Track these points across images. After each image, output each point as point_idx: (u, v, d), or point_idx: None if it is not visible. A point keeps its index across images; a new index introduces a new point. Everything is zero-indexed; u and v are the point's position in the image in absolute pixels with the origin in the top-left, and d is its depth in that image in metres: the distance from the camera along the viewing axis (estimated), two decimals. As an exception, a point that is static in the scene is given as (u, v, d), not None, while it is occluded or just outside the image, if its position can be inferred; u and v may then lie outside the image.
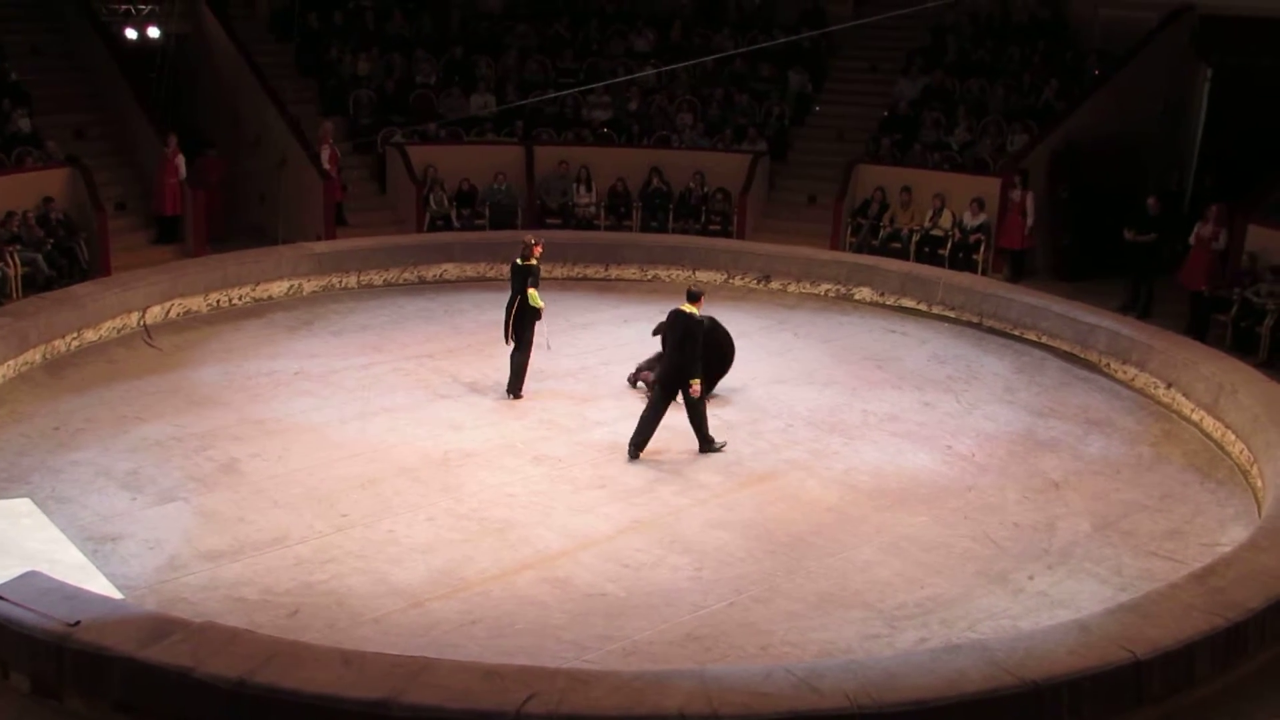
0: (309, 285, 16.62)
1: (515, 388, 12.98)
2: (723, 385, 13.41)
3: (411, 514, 10.32)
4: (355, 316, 15.71)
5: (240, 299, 15.92)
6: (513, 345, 12.89)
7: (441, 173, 19.89)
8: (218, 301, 15.69)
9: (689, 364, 11.46)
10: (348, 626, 8.56)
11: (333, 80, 21.70)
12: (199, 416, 12.14)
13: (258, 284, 16.17)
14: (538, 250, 12.93)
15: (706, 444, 11.78)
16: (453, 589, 9.14)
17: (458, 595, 9.06)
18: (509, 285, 13.01)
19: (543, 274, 13.29)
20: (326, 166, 19.03)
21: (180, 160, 18.51)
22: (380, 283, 17.08)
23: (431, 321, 15.67)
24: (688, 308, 11.61)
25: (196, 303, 15.48)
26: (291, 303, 16.15)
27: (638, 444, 11.60)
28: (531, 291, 12.64)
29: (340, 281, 16.86)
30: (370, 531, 9.96)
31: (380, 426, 12.09)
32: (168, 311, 15.05)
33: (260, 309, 15.79)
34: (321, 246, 17.33)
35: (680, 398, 11.73)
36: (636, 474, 11.27)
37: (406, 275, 17.40)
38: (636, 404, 12.90)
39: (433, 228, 19.45)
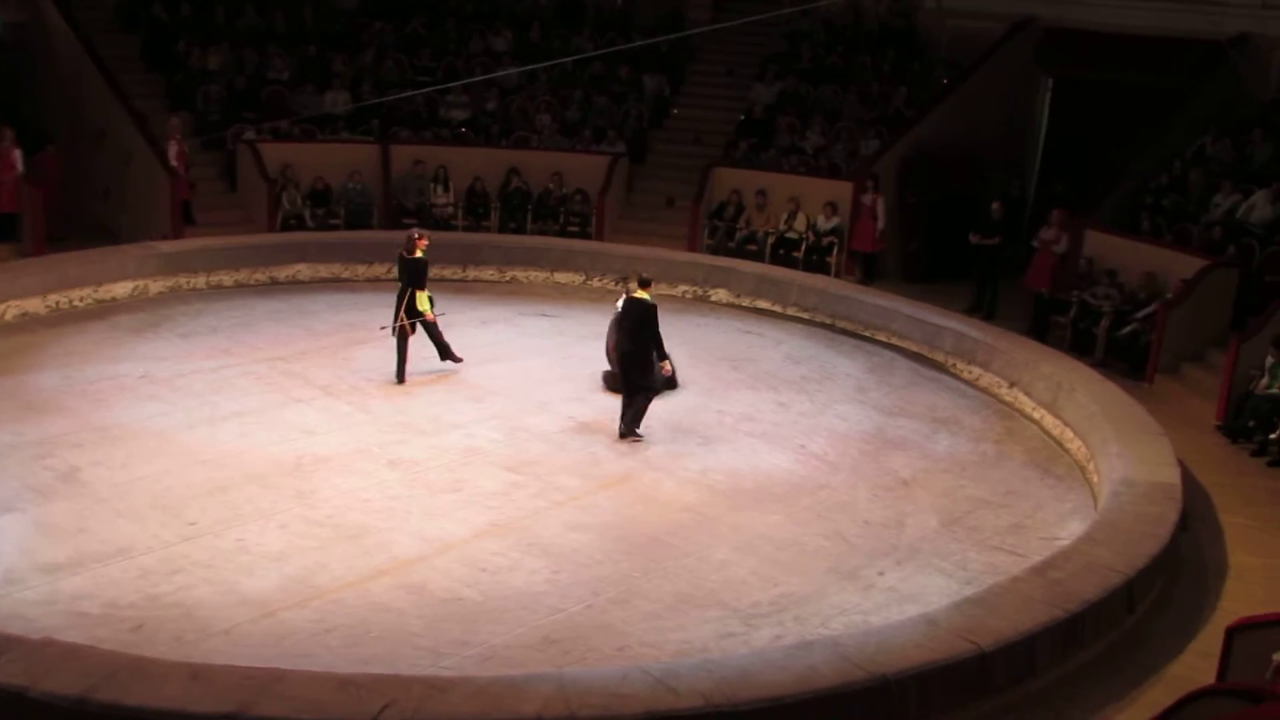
0: (155, 286, 16.20)
1: (400, 374, 13.37)
2: (579, 388, 13.47)
3: (262, 521, 10.12)
4: (204, 318, 15.38)
5: (82, 300, 15.44)
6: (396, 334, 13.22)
7: (295, 171, 19.54)
8: (57, 303, 15.19)
9: (652, 346, 11.94)
10: (195, 639, 8.36)
11: (181, 75, 21.14)
12: (37, 423, 11.73)
13: (100, 285, 15.69)
14: (422, 243, 13.12)
15: (631, 427, 12.06)
16: (305, 597, 8.99)
17: (311, 604, 8.90)
18: (396, 279, 13.44)
19: (385, 274, 13.26)
20: (174, 163, 18.49)
21: (17, 155, 17.78)
22: (230, 284, 16.75)
23: (284, 323, 15.40)
24: (640, 294, 11.94)
25: (34, 304, 14.97)
26: (136, 304, 15.72)
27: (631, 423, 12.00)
28: (421, 295, 12.98)
29: (188, 282, 16.48)
30: (219, 540, 9.75)
31: (230, 431, 11.84)
32: (3, 314, 14.55)
33: (103, 311, 15.33)
34: (168, 246, 16.90)
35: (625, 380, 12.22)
36: (493, 477, 11.21)
37: (258, 276, 17.06)
38: (495, 406, 12.88)
39: (285, 227, 19.09)
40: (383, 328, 13.39)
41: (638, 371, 12.16)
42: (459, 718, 6.74)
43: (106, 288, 15.72)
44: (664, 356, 12.11)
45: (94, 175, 19.55)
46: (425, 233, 13.49)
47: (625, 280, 16.75)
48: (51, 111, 20.41)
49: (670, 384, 13.05)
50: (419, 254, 13.18)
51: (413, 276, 13.21)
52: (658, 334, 12.02)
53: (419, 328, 13.35)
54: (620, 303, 12.60)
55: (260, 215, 19.35)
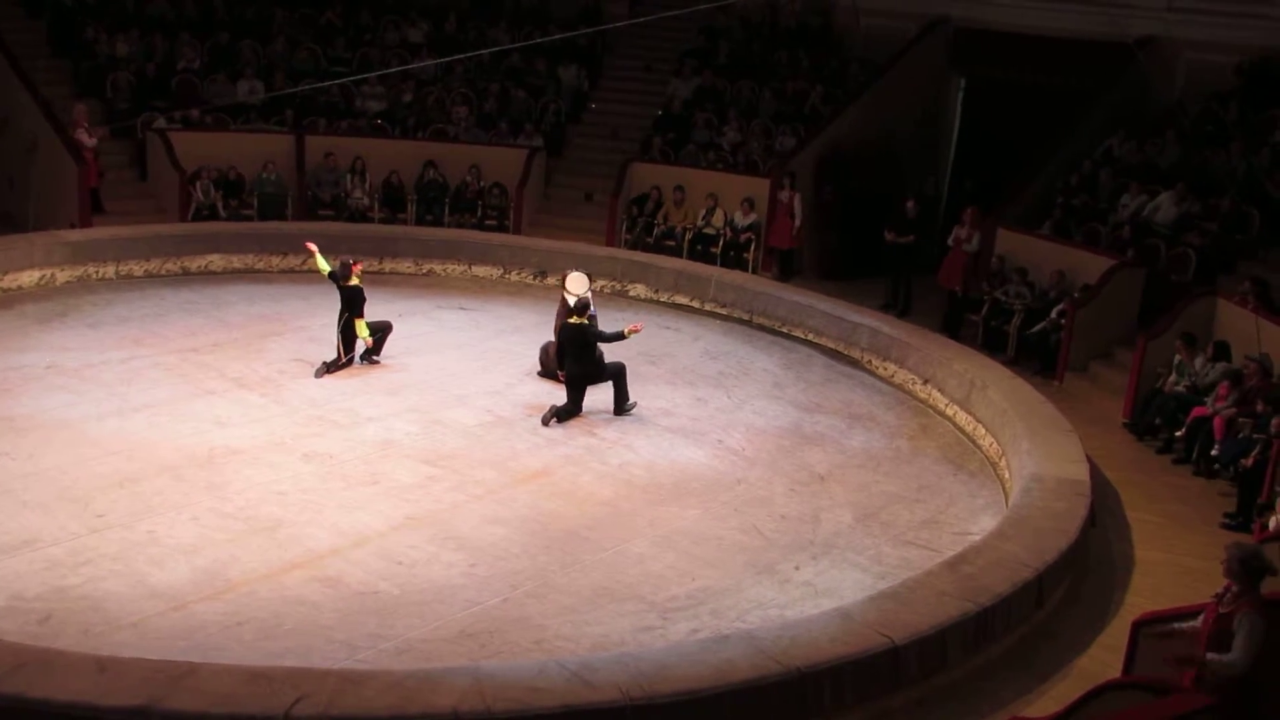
0: (62, 275, 15.91)
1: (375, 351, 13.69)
2: (497, 382, 13.57)
3: (174, 514, 10.00)
4: (113, 308, 15.13)
5: (-15, 289, 15.06)
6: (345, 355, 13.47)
7: (207, 161, 19.25)
8: (-40, 292, 14.80)
9: (598, 368, 12.66)
10: (104, 632, 8.23)
11: (88, 61, 20.70)
12: (-61, 414, 11.46)
13: (5, 273, 15.40)
14: (357, 269, 13.43)
15: (623, 405, 12.86)
16: (217, 590, 8.90)
17: (223, 597, 8.82)
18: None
19: (311, 268, 13.16)
20: (84, 152, 18.11)
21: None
22: (141, 274, 16.53)
23: (196, 314, 15.23)
24: (575, 320, 12.53)
25: (-64, 293, 14.59)
26: (43, 293, 15.45)
27: (560, 419, 12.48)
28: (360, 323, 13.25)
29: (97, 272, 16.21)
30: (129, 532, 9.61)
31: (140, 423, 11.69)
32: (-96, 302, 14.18)
33: (8, 300, 15.05)
34: (76, 235, 16.60)
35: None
36: (410, 470, 11.17)
37: (169, 266, 16.85)
38: (412, 399, 12.89)
39: (197, 217, 18.81)
40: (332, 364, 13.45)
41: (595, 375, 12.72)
42: (373, 711, 6.70)
43: (12, 276, 15.42)
44: (622, 336, 12.70)
45: (-2, 162, 19.08)
46: (360, 260, 13.66)
47: (554, 275, 16.93)
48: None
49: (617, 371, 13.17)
50: (354, 281, 13.35)
51: (352, 305, 13.35)
52: (607, 338, 12.70)
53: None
54: (561, 309, 13.14)
55: (171, 205, 19.01)
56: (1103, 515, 11.31)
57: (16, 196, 18.51)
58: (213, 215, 18.89)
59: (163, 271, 16.74)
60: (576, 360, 12.63)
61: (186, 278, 16.73)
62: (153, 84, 20.62)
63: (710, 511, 10.88)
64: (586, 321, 12.71)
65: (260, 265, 17.19)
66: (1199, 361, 13.64)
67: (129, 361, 13.32)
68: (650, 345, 15.17)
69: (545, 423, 12.40)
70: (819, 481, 11.73)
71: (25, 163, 18.17)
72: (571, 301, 13.03)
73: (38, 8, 21.21)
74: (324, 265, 13.57)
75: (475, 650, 8.37)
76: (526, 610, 8.97)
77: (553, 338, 13.50)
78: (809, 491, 11.48)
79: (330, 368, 13.27)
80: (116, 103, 20.21)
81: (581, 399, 12.67)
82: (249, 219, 19.00)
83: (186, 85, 20.82)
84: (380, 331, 13.69)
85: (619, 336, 12.76)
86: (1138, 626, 8.26)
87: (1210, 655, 6.84)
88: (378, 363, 13.68)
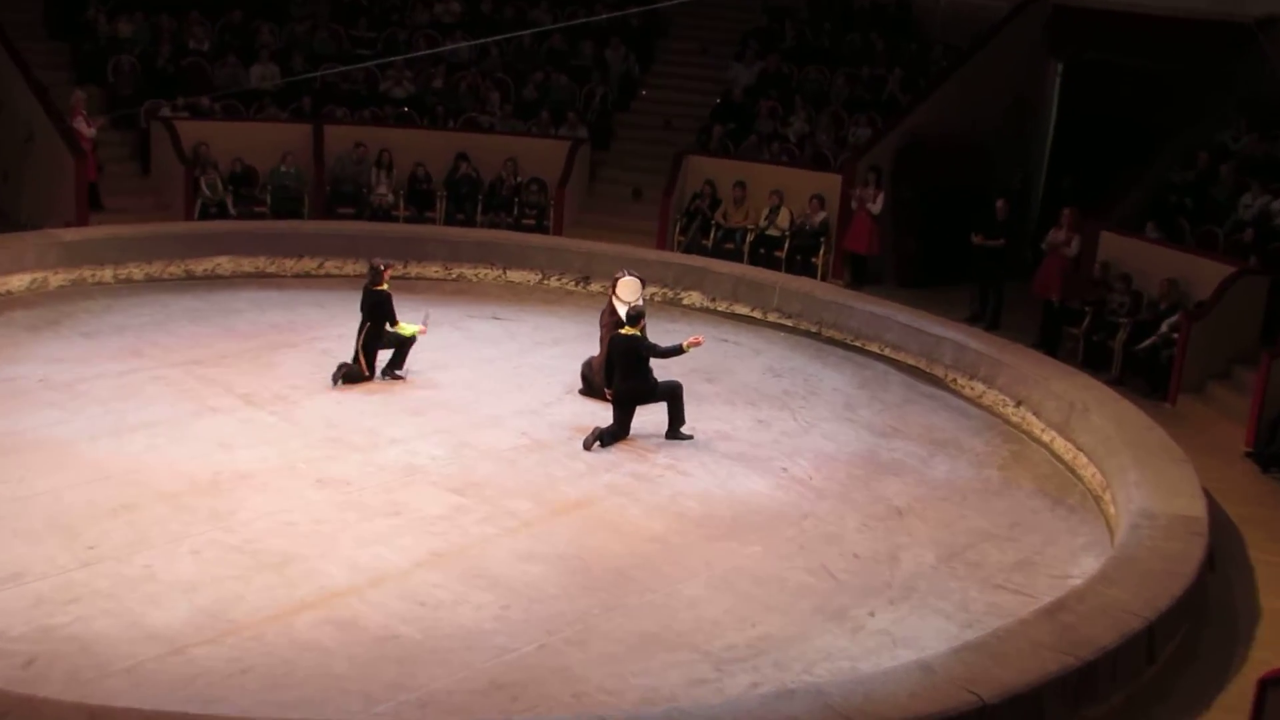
0: (56, 279, 16.01)
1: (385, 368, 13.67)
2: (533, 400, 13.49)
3: (173, 546, 9.92)
4: (110, 316, 15.18)
5: (-28, 294, 15.17)
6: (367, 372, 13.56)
7: (216, 153, 19.33)
8: (-55, 297, 14.94)
9: (650, 387, 12.62)
10: (94, 678, 8.17)
11: (89, 44, 20.91)
12: (-81, 431, 11.53)
13: (-6, 276, 15.45)
14: (388, 274, 13.57)
15: (678, 429, 12.72)
16: (220, 633, 8.82)
17: (226, 640, 8.74)
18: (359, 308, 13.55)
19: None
20: (82, 142, 18.23)
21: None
22: (141, 277, 16.61)
23: (201, 323, 15.23)
24: (627, 331, 12.48)
25: (-82, 298, 14.73)
26: (35, 299, 15.54)
27: (605, 442, 12.39)
28: (401, 326, 13.55)
29: (93, 275, 16.30)
30: (123, 566, 9.55)
31: (138, 444, 11.65)
32: (-117, 307, 14.31)
33: (-4, 306, 15.15)
34: (72, 234, 16.70)
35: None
36: (436, 500, 11.07)
37: (172, 269, 16.89)
38: (439, 419, 12.82)
39: (204, 215, 18.89)
40: (350, 373, 13.55)
41: (646, 395, 12.68)
42: (393, 773, 6.61)
43: (1, 280, 15.52)
44: (680, 350, 12.68)
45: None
46: (393, 263, 13.81)
47: (598, 280, 16.78)
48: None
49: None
50: (384, 285, 13.47)
51: (376, 312, 13.42)
52: (663, 353, 12.69)
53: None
54: (608, 317, 13.10)
55: (176, 201, 19.13)
56: (1222, 558, 11.04)
57: (9, 191, 18.67)
58: (221, 213, 18.95)
59: (165, 275, 16.77)
60: (626, 377, 12.52)
61: (191, 282, 16.74)
62: (159, 69, 20.75)
63: (773, 549, 10.72)
64: (639, 333, 12.60)
65: (273, 269, 17.22)
66: (1332, 383, 13.35)
67: (126, 375, 13.31)
68: (706, 361, 15.00)
69: (589, 446, 12.30)
70: (897, 516, 11.56)
71: (19, 155, 18.33)
72: (622, 311, 12.93)
73: (34, -15, 21.38)
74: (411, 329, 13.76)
75: (507, 704, 8.26)
76: (565, 659, 8.85)
77: (597, 351, 13.40)
78: (885, 527, 11.31)
79: (349, 378, 13.29)
80: (119, 89, 20.42)
81: (629, 420, 12.57)
82: (261, 217, 19.01)
83: (195, 70, 21.01)
84: (404, 343, 13.64)
85: (677, 351, 12.69)
86: (1265, 685, 8.01)
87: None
88: (401, 378, 13.63)
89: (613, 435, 12.46)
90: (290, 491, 11.03)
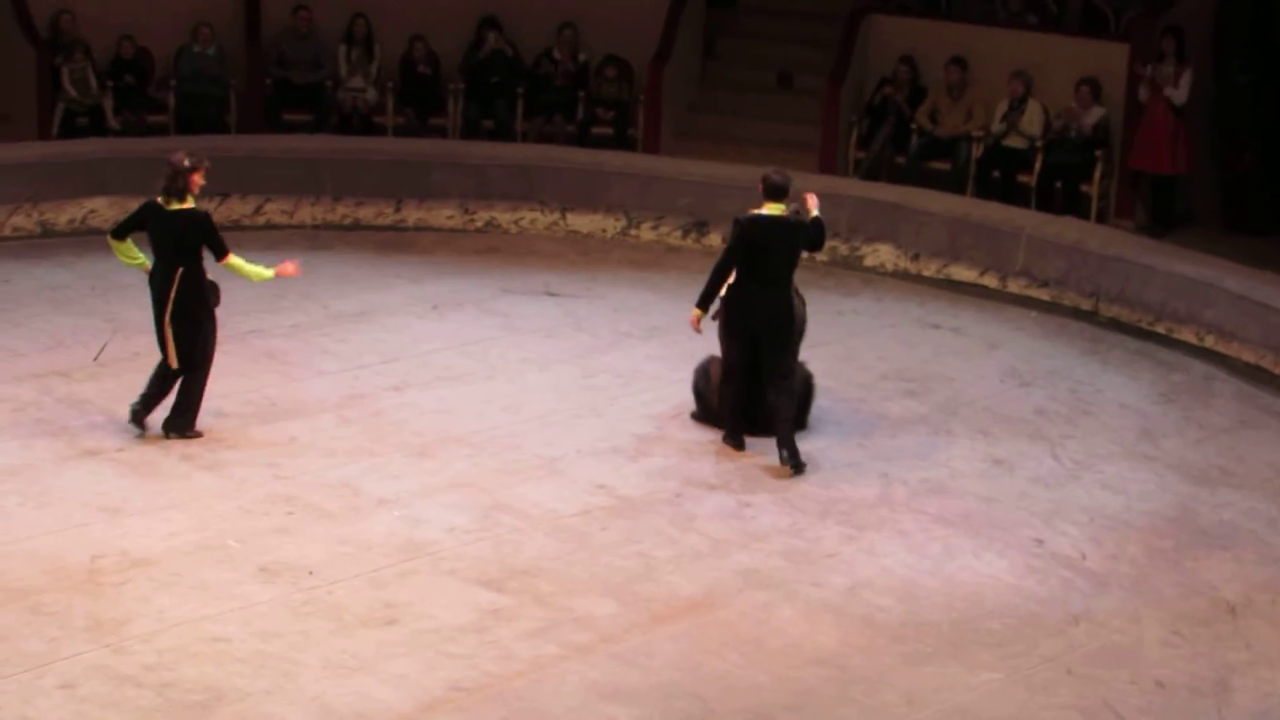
0: None
1: (182, 423, 10.79)
2: (615, 429, 11.39)
3: (31, 676, 7.95)
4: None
5: None
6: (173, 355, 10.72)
7: (86, 26, 16.47)
8: None
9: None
10: None
11: None
12: None
13: None
14: (197, 179, 10.50)
15: (797, 457, 10.75)
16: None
17: None
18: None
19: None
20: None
21: None
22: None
23: (66, 309, 13.06)
24: (772, 209, 10.70)
25: None
26: None
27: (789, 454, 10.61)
28: (238, 263, 10.50)
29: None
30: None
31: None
32: None
33: None
34: None
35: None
36: (455, 599, 8.86)
37: (19, 220, 14.46)
38: (458, 463, 10.59)
39: (69, 129, 16.09)
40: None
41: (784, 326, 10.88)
42: None
43: None
44: (822, 228, 10.98)
45: None
46: (204, 159, 10.61)
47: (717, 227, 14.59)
48: None
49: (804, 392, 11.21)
50: (191, 200, 10.41)
51: (194, 240, 10.52)
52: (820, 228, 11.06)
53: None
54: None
55: (24, 110, 16.41)
56: None
57: None
58: (97, 125, 16.24)
59: (8, 230, 14.46)
60: (764, 285, 10.72)
61: (49, 241, 14.50)
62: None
63: (1020, 674, 8.66)
64: (790, 215, 10.93)
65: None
66: None
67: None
68: (903, 358, 12.83)
69: (790, 465, 10.55)
70: (1228, 617, 9.41)
71: None
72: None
73: None
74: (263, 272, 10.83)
75: None
76: None
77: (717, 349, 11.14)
78: (1210, 635, 9.20)
79: (154, 385, 10.51)
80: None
81: (792, 372, 10.75)
82: (162, 131, 16.31)
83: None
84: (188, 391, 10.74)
85: (820, 227, 11.05)
86: None
87: None
88: (199, 435, 10.90)
89: (793, 420, 10.71)
90: (218, 586, 9.11)
